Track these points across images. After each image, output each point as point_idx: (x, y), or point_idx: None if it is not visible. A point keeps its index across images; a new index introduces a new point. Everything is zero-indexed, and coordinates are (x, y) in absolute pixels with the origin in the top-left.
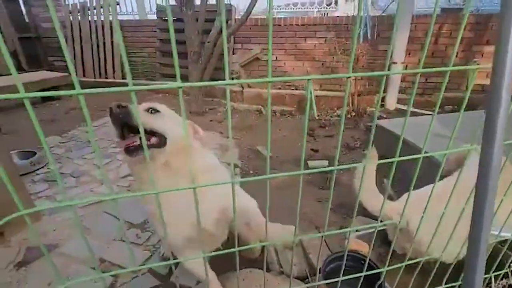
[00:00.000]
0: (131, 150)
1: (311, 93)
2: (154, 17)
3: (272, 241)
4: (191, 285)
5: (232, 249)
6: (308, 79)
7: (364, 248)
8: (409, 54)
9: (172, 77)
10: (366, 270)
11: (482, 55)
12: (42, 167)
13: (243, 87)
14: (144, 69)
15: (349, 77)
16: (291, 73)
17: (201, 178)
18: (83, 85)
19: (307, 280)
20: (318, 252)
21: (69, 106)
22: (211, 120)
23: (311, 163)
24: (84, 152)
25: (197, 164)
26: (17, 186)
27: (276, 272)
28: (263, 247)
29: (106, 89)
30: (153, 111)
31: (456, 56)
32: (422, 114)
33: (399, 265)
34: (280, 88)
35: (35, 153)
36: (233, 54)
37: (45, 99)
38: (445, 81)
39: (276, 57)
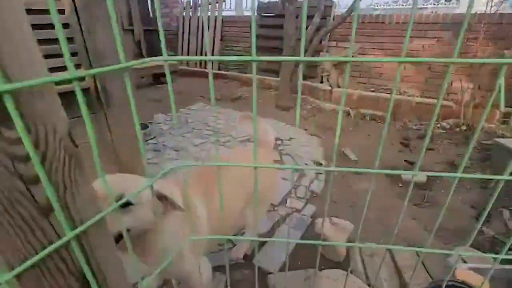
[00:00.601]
0: None
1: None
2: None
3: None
4: (271, 271)
5: (315, 241)
6: (451, 62)
7: (475, 282)
8: None
9: (264, 71)
10: None
11: None
12: (152, 138)
13: (331, 87)
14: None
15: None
16: (388, 75)
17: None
18: (186, 73)
19: None
20: (413, 271)
21: (175, 89)
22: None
23: (405, 176)
24: (183, 130)
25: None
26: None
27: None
28: (348, 251)
29: (230, 57)
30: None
31: None
32: None
33: None
34: (373, 91)
35: (147, 126)
36: (326, 52)
37: (155, 83)
38: None
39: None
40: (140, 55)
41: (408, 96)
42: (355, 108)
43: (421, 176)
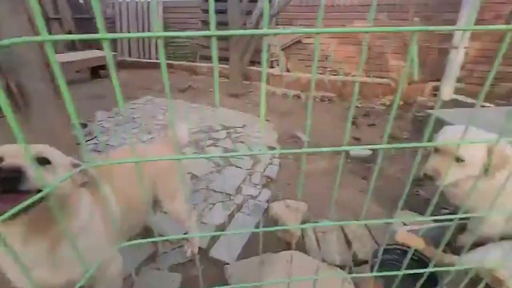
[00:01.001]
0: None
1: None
2: None
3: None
4: (228, 261)
5: (258, 229)
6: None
7: (416, 243)
8: (473, 38)
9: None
10: (419, 267)
11: None
12: (92, 138)
13: (282, 71)
14: (185, 50)
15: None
16: (335, 58)
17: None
18: (128, 64)
19: (350, 270)
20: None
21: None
22: (249, 103)
23: (353, 152)
24: (129, 126)
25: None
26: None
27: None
28: (302, 231)
29: (184, 33)
30: (42, 162)
31: None
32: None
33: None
34: (321, 73)
35: (86, 125)
36: (273, 36)
37: (94, 77)
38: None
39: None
40: (73, 47)
41: (353, 76)
42: (305, 91)
43: (366, 150)
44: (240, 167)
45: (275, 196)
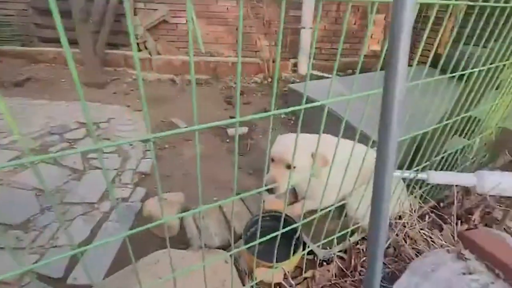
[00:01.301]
0: None
1: None
2: None
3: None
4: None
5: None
6: None
7: (279, 206)
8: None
9: (55, 41)
10: (285, 227)
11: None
12: None
13: (151, 54)
14: (13, 32)
15: None
16: (203, 39)
17: None
18: None
19: (229, 248)
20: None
21: None
22: (114, 93)
23: (230, 130)
24: None
25: None
26: None
27: (196, 247)
28: (181, 222)
29: None
30: None
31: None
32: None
33: (312, 217)
34: (193, 55)
35: None
36: (134, 15)
37: None
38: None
39: (186, 20)
40: None
41: (225, 57)
42: (180, 74)
43: (243, 128)
44: (106, 168)
45: (151, 192)
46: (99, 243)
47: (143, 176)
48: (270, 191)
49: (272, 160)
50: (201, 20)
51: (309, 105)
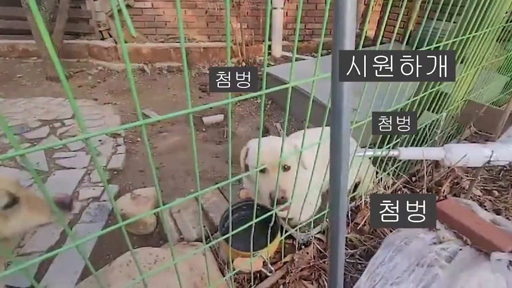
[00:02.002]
0: None
1: None
2: None
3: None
4: None
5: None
6: None
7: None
8: (288, 0)
9: (7, 33)
10: (262, 214)
11: None
12: None
13: (116, 42)
14: None
15: None
16: (174, 23)
17: None
18: None
19: (208, 240)
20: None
21: None
22: (79, 86)
23: (206, 119)
24: None
25: None
26: None
27: (174, 242)
28: (157, 217)
29: None
30: None
31: None
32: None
33: (285, 205)
34: (163, 42)
35: None
36: (95, 0)
37: None
38: None
39: (152, 4)
40: None
41: (196, 42)
42: (149, 62)
43: (219, 116)
44: (74, 168)
45: (124, 189)
46: (68, 247)
47: (115, 172)
48: (279, 202)
49: (262, 171)
50: (168, 3)
51: (273, 89)
